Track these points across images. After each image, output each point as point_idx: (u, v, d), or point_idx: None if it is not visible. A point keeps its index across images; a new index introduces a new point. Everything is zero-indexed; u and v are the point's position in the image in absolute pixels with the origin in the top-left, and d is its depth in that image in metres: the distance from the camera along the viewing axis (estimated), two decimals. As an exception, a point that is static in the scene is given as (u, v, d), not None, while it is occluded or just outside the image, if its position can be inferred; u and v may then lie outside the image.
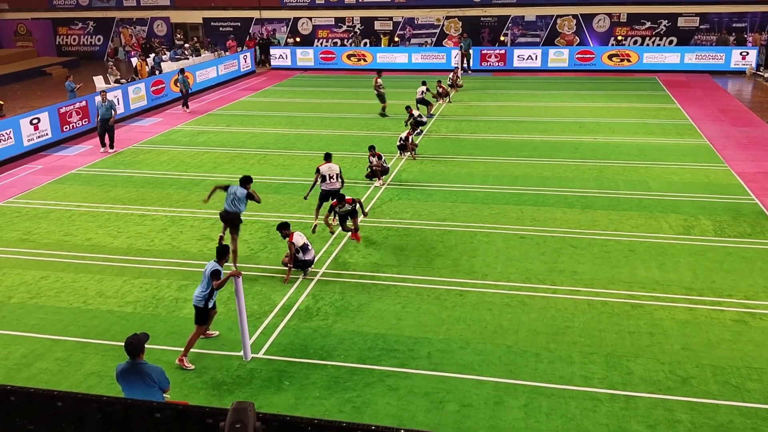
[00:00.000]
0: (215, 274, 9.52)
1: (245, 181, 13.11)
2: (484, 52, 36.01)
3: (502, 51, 35.84)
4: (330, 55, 37.73)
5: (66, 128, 23.13)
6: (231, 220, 13.01)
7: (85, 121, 24.01)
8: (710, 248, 13.35)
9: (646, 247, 13.43)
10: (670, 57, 34.12)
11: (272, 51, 38.57)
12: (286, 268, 12.34)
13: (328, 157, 15.03)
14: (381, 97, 25.69)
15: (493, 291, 11.79)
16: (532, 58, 35.39)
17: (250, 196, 13.11)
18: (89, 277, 12.71)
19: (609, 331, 10.40)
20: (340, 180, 14.71)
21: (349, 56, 37.52)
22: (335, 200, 13.53)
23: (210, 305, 9.76)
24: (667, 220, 14.79)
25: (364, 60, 37.32)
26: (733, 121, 23.92)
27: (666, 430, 8.19)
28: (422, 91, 25.18)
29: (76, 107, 23.63)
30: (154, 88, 28.32)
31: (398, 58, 36.79)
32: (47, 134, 22.32)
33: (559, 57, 35.07)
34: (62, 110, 23.03)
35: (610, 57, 34.64)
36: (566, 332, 10.41)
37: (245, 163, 19.74)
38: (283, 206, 16.18)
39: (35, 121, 21.84)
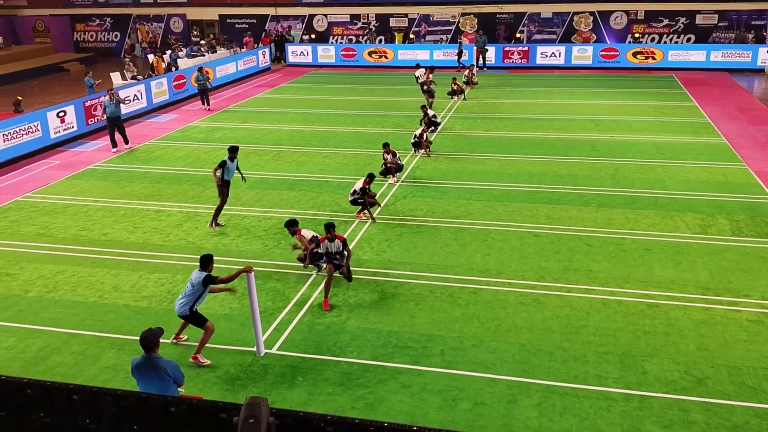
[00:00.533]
0: (209, 280, 9.49)
1: (232, 150, 14.70)
2: (506, 48, 35.80)
3: (525, 48, 35.61)
4: (351, 52, 37.71)
5: (91, 121, 23.54)
6: (228, 185, 14.70)
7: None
8: (727, 248, 13.22)
9: (662, 247, 13.33)
10: (695, 55, 33.74)
11: (293, 48, 38.64)
12: (302, 264, 12.37)
13: (370, 176, 14.98)
14: (430, 93, 25.53)
15: (507, 289, 11.75)
16: (555, 55, 35.17)
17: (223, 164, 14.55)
18: (105, 271, 12.81)
19: (624, 331, 10.33)
20: (354, 195, 14.72)
21: (370, 53, 37.49)
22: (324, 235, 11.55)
23: (195, 309, 9.67)
24: (683, 219, 14.67)
25: (386, 57, 37.27)
26: (752, 119, 23.68)
27: (681, 431, 8.13)
28: (422, 74, 26.07)
29: (101, 100, 23.93)
30: (175, 83, 28.77)
31: (419, 54, 36.69)
32: (73, 127, 22.82)
33: (583, 54, 34.80)
34: (87, 104, 23.46)
35: (634, 54, 34.33)
36: (581, 331, 10.35)
37: (260, 160, 19.81)
38: (297, 203, 16.22)
39: (62, 114, 22.35)
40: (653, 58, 34.11)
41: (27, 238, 14.53)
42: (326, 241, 11.36)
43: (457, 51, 35.40)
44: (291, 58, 38.56)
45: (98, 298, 11.77)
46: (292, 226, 12.23)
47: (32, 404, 4.66)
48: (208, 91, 27.33)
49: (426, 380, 9.24)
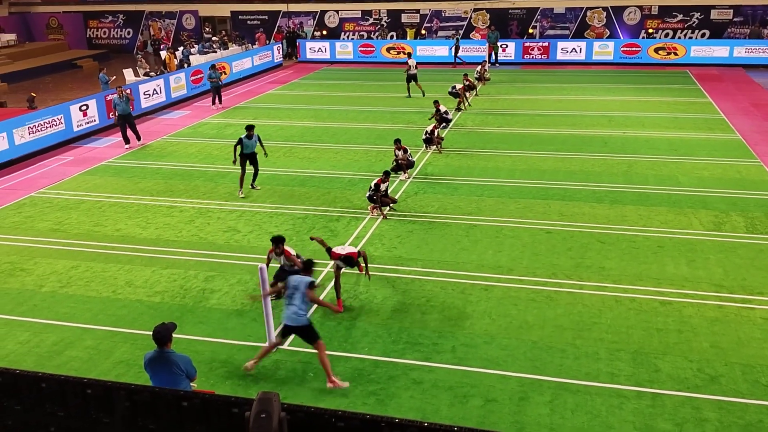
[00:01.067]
0: (313, 285, 9.08)
1: (249, 128, 16.50)
2: (526, 44, 35.62)
3: (546, 44, 35.41)
4: (369, 49, 37.64)
5: (112, 115, 23.90)
6: (251, 158, 16.62)
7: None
8: (741, 245, 13.12)
9: (676, 243, 13.24)
10: (718, 50, 33.41)
11: (310, 44, 38.70)
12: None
13: (385, 173, 14.96)
14: (456, 95, 25.71)
15: (519, 286, 11.72)
16: (576, 51, 34.99)
17: (259, 140, 16.71)
18: (118, 267, 12.89)
19: (636, 328, 10.28)
20: (369, 191, 14.81)
21: (388, 49, 37.39)
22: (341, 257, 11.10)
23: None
24: (697, 216, 14.57)
25: (404, 53, 37.17)
26: (767, 115, 23.45)
27: (693, 429, 8.09)
28: (414, 65, 27.60)
29: (111, 98, 24.34)
30: (193, 78, 29.32)
31: (438, 50, 36.53)
32: (95, 120, 23.40)
33: (604, 50, 34.57)
34: (108, 98, 23.90)
35: (656, 50, 34.04)
36: (593, 328, 10.31)
37: (271, 156, 19.78)
38: (309, 199, 16.24)
39: (84, 108, 22.96)
40: (675, 54, 33.79)
41: (41, 233, 14.64)
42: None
43: (453, 47, 35.38)
44: (309, 55, 38.56)
45: (111, 293, 11.84)
46: (279, 243, 10.71)
47: (46, 398, 4.69)
48: (220, 89, 27.42)
49: (437, 377, 9.23)
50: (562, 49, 35.11)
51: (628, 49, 34.37)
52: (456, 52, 35.12)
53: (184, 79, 28.78)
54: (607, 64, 34.40)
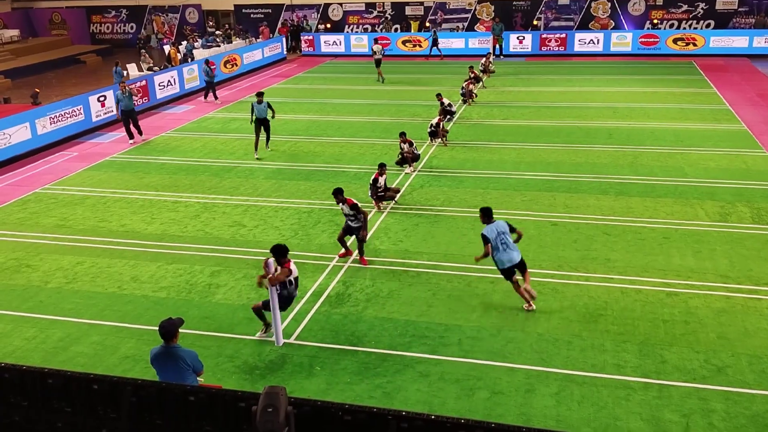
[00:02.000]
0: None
1: (258, 95, 19.09)
2: (543, 36, 35.46)
3: (563, 35, 35.20)
4: (385, 42, 37.49)
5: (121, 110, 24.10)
6: (264, 123, 19.02)
7: (145, 99, 25.70)
8: (748, 236, 13.07)
9: (682, 235, 13.20)
10: (738, 41, 33.15)
11: (324, 38, 38.63)
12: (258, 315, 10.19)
13: (380, 166, 14.87)
14: (470, 95, 25.62)
15: (525, 278, 11.69)
16: (594, 42, 34.81)
17: (269, 106, 18.99)
18: (124, 262, 12.91)
19: (643, 320, 10.26)
20: (371, 189, 14.74)
21: (404, 42, 37.24)
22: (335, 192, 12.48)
23: None
24: (703, 207, 14.52)
25: (420, 46, 37.01)
26: (773, 105, 23.34)
27: (700, 420, 8.07)
28: (380, 50, 29.86)
29: (137, 86, 25.16)
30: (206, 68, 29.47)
31: (455, 43, 36.38)
32: (112, 111, 23.75)
33: (623, 41, 34.36)
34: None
35: (674, 41, 33.80)
36: (599, 320, 10.29)
37: (276, 150, 19.84)
38: (314, 193, 16.23)
39: (102, 99, 23.70)
40: (694, 45, 33.51)
41: (46, 229, 14.68)
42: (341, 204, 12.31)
43: (431, 38, 35.36)
44: (323, 48, 38.49)
45: (117, 289, 11.87)
46: (281, 255, 9.60)
47: (53, 393, 4.71)
48: (214, 85, 27.55)
49: (444, 369, 9.24)
50: (579, 41, 34.88)
51: (646, 40, 34.11)
52: (434, 44, 35.12)
53: (197, 70, 29.33)
54: (624, 56, 34.14)
